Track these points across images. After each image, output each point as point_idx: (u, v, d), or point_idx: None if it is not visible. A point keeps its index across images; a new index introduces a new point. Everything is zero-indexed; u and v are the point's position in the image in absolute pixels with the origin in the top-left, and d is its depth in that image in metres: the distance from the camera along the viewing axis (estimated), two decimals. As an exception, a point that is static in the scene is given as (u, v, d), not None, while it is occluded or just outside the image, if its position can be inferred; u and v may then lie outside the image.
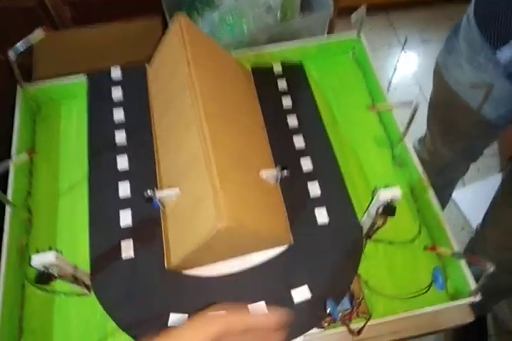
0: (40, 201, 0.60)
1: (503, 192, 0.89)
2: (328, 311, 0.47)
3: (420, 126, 1.00)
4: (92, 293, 0.51)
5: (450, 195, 1.24)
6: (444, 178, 1.11)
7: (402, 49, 1.74)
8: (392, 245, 0.59)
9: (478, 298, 0.53)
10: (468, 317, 0.57)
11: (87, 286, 0.51)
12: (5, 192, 0.56)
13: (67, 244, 0.57)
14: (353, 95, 0.72)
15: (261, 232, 0.51)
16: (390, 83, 1.85)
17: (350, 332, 0.48)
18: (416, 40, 1.79)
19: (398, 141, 0.63)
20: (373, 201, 0.50)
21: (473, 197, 1.43)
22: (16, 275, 0.54)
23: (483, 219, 0.98)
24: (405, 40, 1.76)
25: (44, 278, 0.42)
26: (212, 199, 0.45)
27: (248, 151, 0.56)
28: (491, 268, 0.45)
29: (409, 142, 0.62)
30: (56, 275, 0.43)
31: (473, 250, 1.06)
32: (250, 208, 0.50)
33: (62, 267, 0.44)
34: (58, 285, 0.54)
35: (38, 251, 0.42)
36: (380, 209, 0.48)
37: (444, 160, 1.01)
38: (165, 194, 0.51)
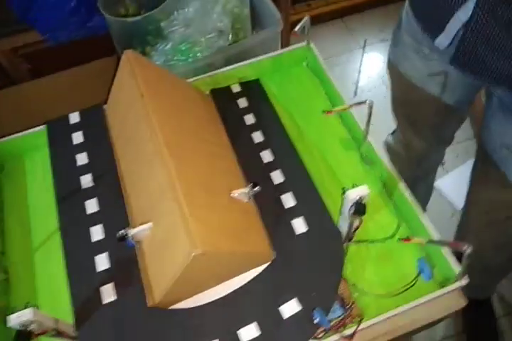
0: (15, 259, 0.60)
1: (476, 170, 0.91)
2: (316, 321, 0.47)
3: (391, 120, 1.02)
4: None
5: (432, 184, 1.26)
6: (422, 168, 1.13)
7: (363, 51, 1.78)
8: (373, 244, 0.60)
9: (465, 282, 0.53)
10: (462, 302, 0.56)
11: (72, 338, 0.50)
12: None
13: (48, 299, 0.56)
14: (313, 103, 0.73)
15: (240, 253, 0.51)
16: (356, 86, 1.88)
17: (343, 337, 0.47)
18: (375, 41, 1.83)
19: (363, 140, 0.64)
20: (344, 202, 0.51)
21: (456, 182, 1.44)
22: (-1, 340, 0.53)
23: (465, 200, 1.00)
24: (365, 43, 1.80)
25: (23, 337, 0.41)
26: (183, 228, 0.46)
27: (216, 174, 0.57)
28: (468, 248, 0.45)
29: (373, 140, 0.63)
30: (36, 332, 0.42)
31: (460, 233, 1.07)
32: (225, 231, 0.50)
33: (42, 322, 0.43)
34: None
35: (13, 312, 0.42)
36: (352, 210, 0.49)
37: (418, 150, 1.03)
38: (137, 231, 0.51)
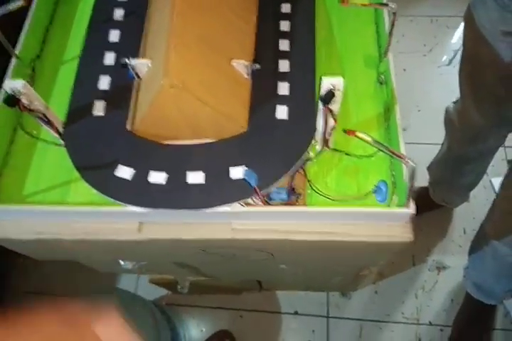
0: (46, 65, 0.69)
1: None
2: (244, 177, 0.50)
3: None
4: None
5: (485, 170, 1.17)
6: (477, 149, 1.05)
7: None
8: (348, 157, 0.60)
9: (412, 210, 0.52)
10: (407, 237, 0.55)
11: (59, 133, 0.58)
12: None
13: (60, 104, 0.63)
14: (358, 14, 0.71)
15: (213, 109, 0.54)
16: (455, 55, 1.74)
17: (262, 199, 0.50)
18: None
19: (382, 56, 0.62)
20: (320, 91, 0.51)
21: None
22: (9, 118, 0.63)
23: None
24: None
25: (11, 100, 0.49)
26: (163, 60, 0.50)
27: (226, 40, 0.59)
28: (410, 163, 0.44)
29: (392, 58, 0.61)
30: (24, 103, 0.50)
31: (485, 218, 1.01)
32: (207, 83, 0.54)
33: (31, 98, 0.52)
34: (43, 135, 0.63)
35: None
36: (321, 96, 0.49)
37: (474, 125, 0.96)
38: (137, 62, 0.56)
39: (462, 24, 0.70)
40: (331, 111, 0.52)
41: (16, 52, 0.64)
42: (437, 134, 1.16)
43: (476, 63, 0.83)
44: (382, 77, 0.63)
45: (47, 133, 0.61)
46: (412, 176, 0.47)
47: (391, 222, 0.55)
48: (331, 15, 0.71)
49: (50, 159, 0.62)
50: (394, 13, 0.54)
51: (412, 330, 1.20)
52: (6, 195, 0.60)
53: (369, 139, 0.46)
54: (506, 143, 1.06)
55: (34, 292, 1.26)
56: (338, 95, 0.50)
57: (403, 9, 1.69)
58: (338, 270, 0.80)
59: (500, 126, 0.95)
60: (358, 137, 0.47)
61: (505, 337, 1.22)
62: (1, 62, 0.65)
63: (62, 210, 0.56)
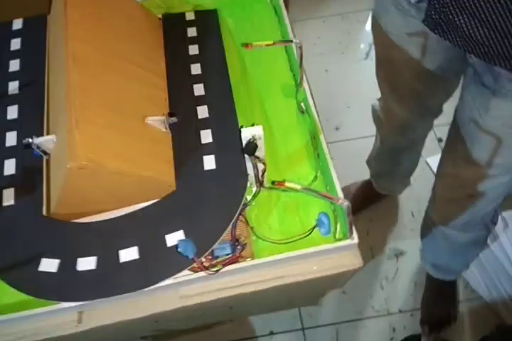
0: None
1: (447, 144, 0.87)
2: (179, 250, 0.48)
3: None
4: None
5: (419, 156, 1.22)
6: (408, 138, 1.08)
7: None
8: (285, 192, 0.58)
9: (355, 240, 0.52)
10: (356, 263, 0.55)
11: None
12: None
13: None
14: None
15: (134, 176, 0.50)
16: (370, 48, 1.76)
17: (204, 269, 0.48)
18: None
19: (297, 86, 0.62)
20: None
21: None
22: None
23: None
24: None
25: None
26: (68, 140, 0.46)
27: (134, 98, 0.56)
28: (344, 203, 0.44)
29: (307, 87, 0.60)
30: None
31: (429, 208, 1.05)
32: (119, 151, 0.50)
33: None
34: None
35: None
36: (243, 149, 0.48)
37: (401, 119, 0.98)
38: (40, 140, 0.51)
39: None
40: (257, 157, 0.50)
41: None
42: (370, 127, 1.18)
43: (391, 65, 0.84)
44: (303, 106, 0.63)
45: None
46: (349, 213, 0.46)
47: (339, 254, 0.55)
48: (242, 51, 0.69)
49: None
50: (300, 48, 0.53)
51: (385, 322, 1.23)
52: None
53: (298, 188, 0.45)
54: (435, 122, 1.10)
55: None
56: (260, 143, 0.48)
57: (314, 11, 1.70)
58: (303, 297, 0.79)
59: (424, 115, 0.98)
60: (287, 188, 0.46)
61: (470, 307, 1.28)
62: None
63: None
